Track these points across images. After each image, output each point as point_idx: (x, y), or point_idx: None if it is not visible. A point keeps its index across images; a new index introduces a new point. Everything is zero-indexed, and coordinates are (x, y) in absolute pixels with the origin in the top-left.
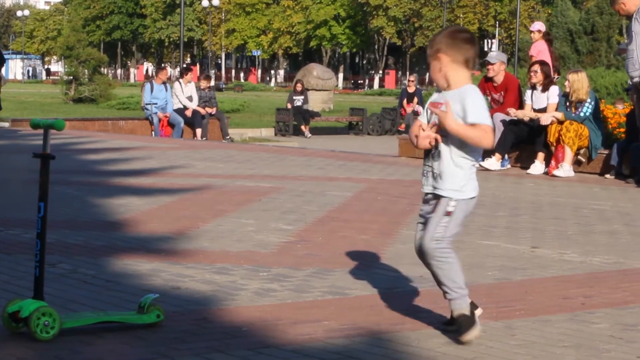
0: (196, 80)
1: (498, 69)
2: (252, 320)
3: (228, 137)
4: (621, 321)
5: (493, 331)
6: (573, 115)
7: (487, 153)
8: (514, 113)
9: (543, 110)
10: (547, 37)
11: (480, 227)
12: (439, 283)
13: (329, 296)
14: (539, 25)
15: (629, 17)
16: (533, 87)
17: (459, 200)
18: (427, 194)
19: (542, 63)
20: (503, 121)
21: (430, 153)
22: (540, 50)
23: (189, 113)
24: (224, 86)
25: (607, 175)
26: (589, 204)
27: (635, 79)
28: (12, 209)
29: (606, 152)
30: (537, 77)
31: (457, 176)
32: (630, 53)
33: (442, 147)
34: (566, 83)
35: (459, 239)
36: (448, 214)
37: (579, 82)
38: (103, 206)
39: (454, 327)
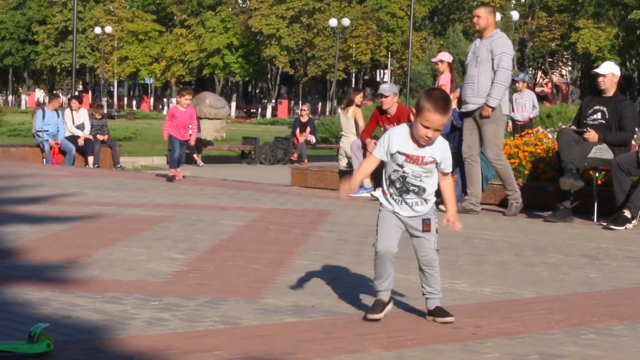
0: (88, 108)
1: (391, 101)
2: (143, 350)
3: (119, 165)
4: (511, 351)
5: None
6: None
7: (378, 183)
8: None
9: None
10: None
11: (370, 257)
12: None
13: (220, 326)
14: (441, 55)
15: (480, 35)
16: None
17: None
18: None
19: None
20: None
21: None
22: (447, 81)
23: (80, 141)
24: (116, 114)
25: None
26: (479, 234)
27: (472, 106)
28: None
29: (497, 183)
30: None
31: None
32: (472, 79)
33: None
34: None
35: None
36: None
37: None
38: None
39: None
